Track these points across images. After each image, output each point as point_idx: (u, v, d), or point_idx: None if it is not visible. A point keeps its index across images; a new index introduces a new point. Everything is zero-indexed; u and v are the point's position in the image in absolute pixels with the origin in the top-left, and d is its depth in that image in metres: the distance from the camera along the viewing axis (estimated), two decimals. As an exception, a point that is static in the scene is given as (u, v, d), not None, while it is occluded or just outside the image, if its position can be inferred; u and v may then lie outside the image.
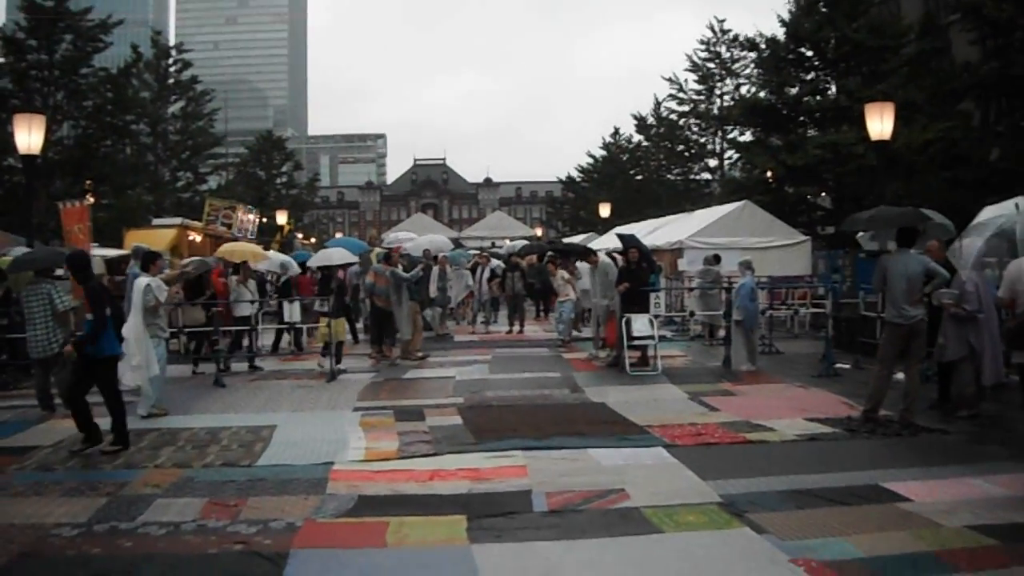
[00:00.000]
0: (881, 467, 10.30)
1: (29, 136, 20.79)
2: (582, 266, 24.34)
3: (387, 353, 21.26)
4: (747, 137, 49.55)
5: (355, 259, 21.86)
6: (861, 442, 11.85)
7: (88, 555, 7.85)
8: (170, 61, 65.17)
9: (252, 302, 20.78)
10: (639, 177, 75.15)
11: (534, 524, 8.57)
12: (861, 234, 21.20)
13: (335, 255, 22.13)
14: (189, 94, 66.01)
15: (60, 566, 7.60)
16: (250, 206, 42.62)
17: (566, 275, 23.92)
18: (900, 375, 13.26)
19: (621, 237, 23.36)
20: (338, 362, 19.12)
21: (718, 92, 67.20)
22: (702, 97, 68.21)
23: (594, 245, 34.37)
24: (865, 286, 19.69)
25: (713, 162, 69.20)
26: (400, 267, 21.65)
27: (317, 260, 22.45)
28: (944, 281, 12.76)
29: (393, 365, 20.38)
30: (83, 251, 14.59)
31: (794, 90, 43.02)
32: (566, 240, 55.85)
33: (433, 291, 25.98)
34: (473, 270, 29.82)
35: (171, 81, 65.01)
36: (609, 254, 22.38)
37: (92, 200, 36.62)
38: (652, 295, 19.14)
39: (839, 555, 7.36)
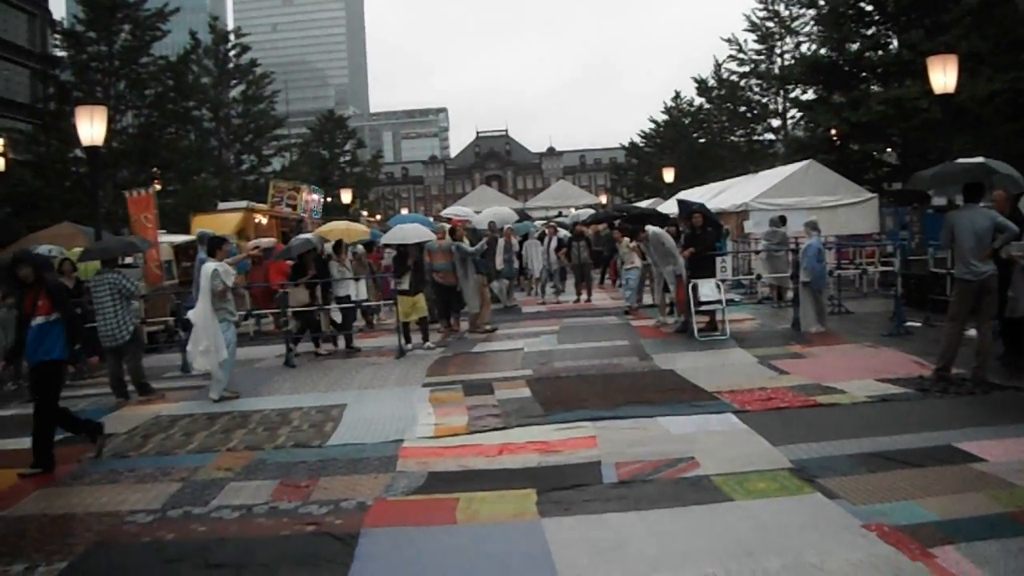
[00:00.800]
0: (954, 427, 10.14)
1: (92, 127, 20.98)
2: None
3: (455, 327, 21.31)
4: (809, 96, 48.88)
5: (431, 235, 21.16)
6: (933, 401, 11.68)
7: (162, 541, 7.94)
8: (229, 46, 65.76)
9: (356, 279, 21.25)
10: (702, 140, 74.79)
11: (603, 496, 8.53)
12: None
13: (410, 232, 21.40)
14: (249, 77, 66.62)
15: (135, 553, 7.68)
16: (314, 186, 42.88)
17: (631, 243, 23.78)
18: (972, 332, 13.06)
19: (682, 203, 23.21)
20: (425, 339, 19.47)
21: (778, 51, 66.63)
22: (762, 57, 67.65)
23: (661, 210, 34.11)
24: (934, 242, 19.42)
25: (776, 122, 68.60)
26: (465, 241, 21.71)
27: (391, 238, 21.77)
28: (1013, 235, 12.49)
29: (461, 339, 20.43)
30: (25, 250, 14.46)
31: (855, 46, 42.40)
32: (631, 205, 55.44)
33: (500, 263, 25.97)
34: (540, 239, 29.69)
35: (231, 66, 65.65)
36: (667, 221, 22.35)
37: (158, 187, 36.93)
38: (719, 259, 18.97)
39: (912, 519, 7.26)
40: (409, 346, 18.92)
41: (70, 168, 41.76)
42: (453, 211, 43.49)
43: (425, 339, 19.17)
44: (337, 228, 24.11)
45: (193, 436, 12.17)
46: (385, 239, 22.51)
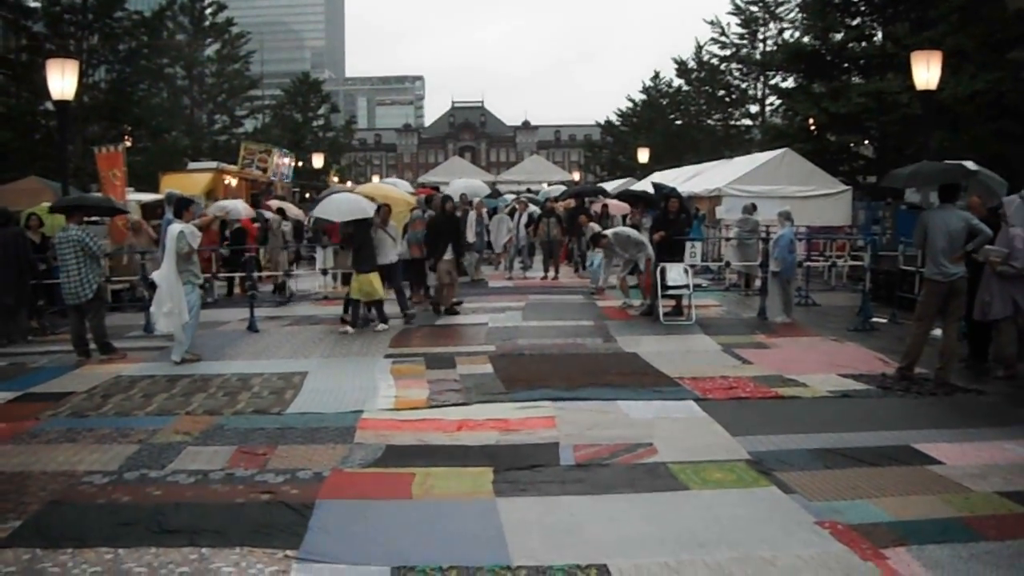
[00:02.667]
0: (914, 427, 10.22)
1: (63, 81, 20.75)
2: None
3: (420, 299, 21.33)
4: (789, 83, 49.05)
5: (369, 211, 18.69)
6: (894, 400, 11.74)
7: (117, 503, 7.93)
8: (205, 3, 65.00)
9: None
10: (679, 122, 74.75)
11: (560, 478, 8.56)
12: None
13: (345, 206, 18.75)
14: (224, 36, 66.22)
15: (89, 514, 7.65)
16: (286, 150, 42.67)
17: (596, 227, 23.79)
18: (937, 332, 13.13)
19: (657, 186, 23.22)
20: (381, 319, 18.01)
21: (761, 36, 66.57)
22: (744, 41, 67.62)
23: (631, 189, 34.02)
24: (905, 239, 19.48)
25: (754, 108, 68.75)
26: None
27: (323, 211, 19.57)
28: (987, 239, 12.54)
29: (426, 311, 20.38)
30: None
31: (839, 36, 42.38)
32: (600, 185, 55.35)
33: (471, 236, 25.90)
34: (510, 215, 29.57)
35: (206, 24, 65.10)
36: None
37: (128, 144, 36.67)
38: (688, 244, 18.98)
39: (866, 518, 7.31)
40: (351, 328, 17.85)
41: (39, 121, 41.32)
42: (427, 180, 43.36)
43: (382, 320, 18.04)
44: (386, 192, 22.72)
45: (153, 398, 12.11)
46: (316, 212, 20.63)
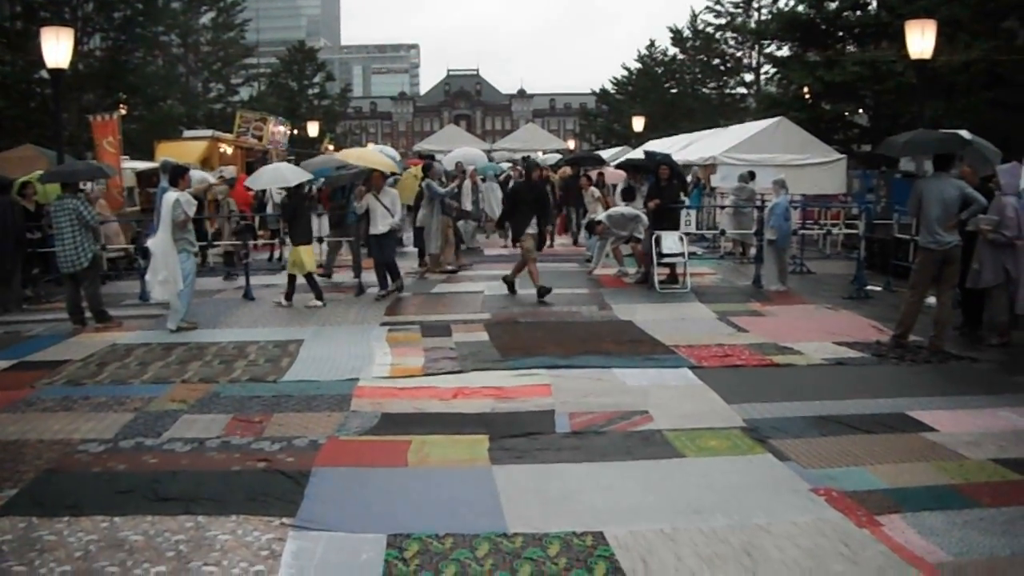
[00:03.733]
0: (908, 395, 10.25)
1: (57, 49, 20.64)
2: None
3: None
4: (784, 52, 48.84)
5: (305, 175, 18.17)
6: (889, 368, 11.76)
7: (113, 471, 7.93)
8: (200, -29, 64.60)
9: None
10: (674, 91, 74.67)
11: (556, 445, 8.58)
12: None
13: (288, 173, 18.07)
14: (220, 4, 65.90)
15: (86, 482, 7.67)
16: (281, 118, 42.57)
17: (597, 192, 23.76)
18: (932, 300, 13.14)
19: (649, 154, 23.16)
20: (318, 297, 17.05)
21: (756, 5, 66.49)
22: (739, 10, 67.56)
23: (627, 158, 33.92)
24: (899, 207, 19.47)
25: (749, 77, 68.72)
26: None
27: (257, 181, 19.20)
28: (981, 208, 12.53)
29: (422, 279, 20.39)
30: None
31: (834, 4, 42.19)
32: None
33: (467, 204, 25.87)
34: (505, 183, 29.44)
35: (201, -10, 64.57)
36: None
37: (123, 112, 36.50)
38: (683, 212, 18.97)
39: (860, 485, 7.33)
40: (285, 302, 17.12)
41: (35, 89, 41.13)
42: (422, 148, 43.21)
43: (318, 297, 17.10)
44: (370, 157, 22.41)
45: (148, 366, 12.13)
46: (250, 182, 19.83)
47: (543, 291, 17.08)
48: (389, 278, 17.88)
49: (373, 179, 18.27)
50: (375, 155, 20.51)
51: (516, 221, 18.13)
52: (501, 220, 19.86)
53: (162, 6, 53.50)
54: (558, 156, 44.39)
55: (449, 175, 25.27)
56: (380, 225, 17.69)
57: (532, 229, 17.81)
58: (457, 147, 38.90)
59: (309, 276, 17.04)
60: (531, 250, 17.71)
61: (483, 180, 28.87)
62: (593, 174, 27.98)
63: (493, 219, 29.18)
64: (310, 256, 17.17)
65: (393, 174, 21.86)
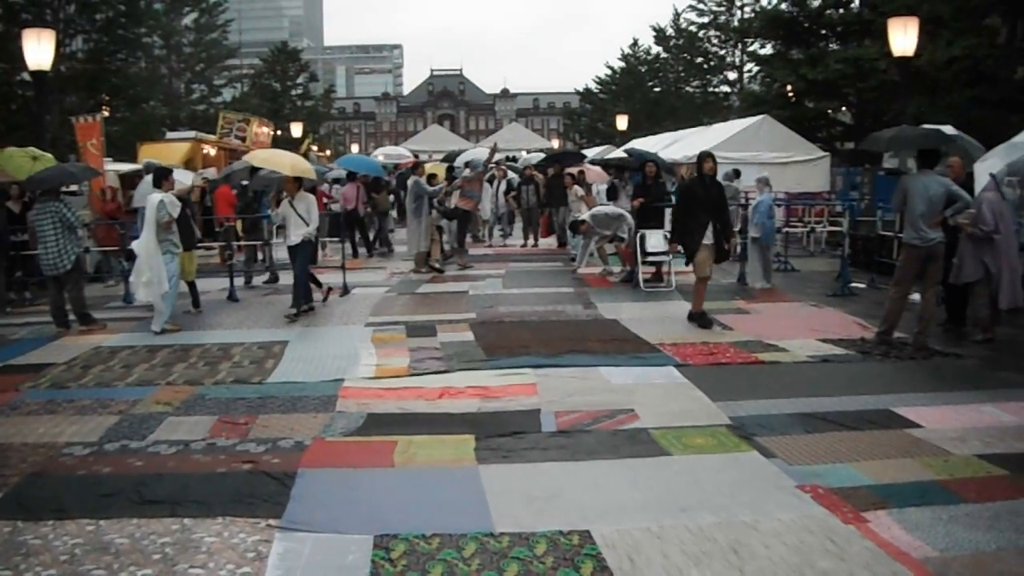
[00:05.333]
0: (893, 391, 10.27)
1: (39, 51, 20.57)
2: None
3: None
4: (767, 50, 48.94)
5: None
6: (874, 364, 11.78)
7: (98, 475, 7.90)
8: (182, -28, 64.43)
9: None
10: (657, 89, 74.79)
11: (542, 444, 8.58)
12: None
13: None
14: (202, 5, 65.66)
15: (71, 485, 7.64)
16: (264, 118, 42.49)
17: (580, 191, 23.76)
18: (916, 297, 13.18)
19: (631, 152, 23.22)
20: (195, 304, 16.79)
21: (739, 3, 66.55)
22: (722, 8, 67.64)
23: (609, 158, 33.93)
24: (883, 204, 19.53)
25: (732, 75, 68.87)
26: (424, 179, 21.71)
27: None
28: (966, 205, 12.58)
29: (408, 279, 20.42)
30: None
31: (816, 2, 42.22)
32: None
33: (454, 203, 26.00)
34: (489, 182, 29.45)
35: (183, -8, 64.41)
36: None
37: (106, 114, 36.40)
38: (668, 211, 18.98)
39: (846, 482, 7.35)
40: (194, 309, 16.74)
41: (16, 91, 40.98)
42: (407, 148, 43.29)
43: (194, 303, 16.77)
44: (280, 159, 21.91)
45: (133, 368, 12.09)
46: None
47: (702, 320, 14.40)
48: (303, 294, 16.22)
49: (286, 185, 16.67)
50: (284, 157, 18.22)
51: (688, 231, 14.60)
52: (674, 232, 15.27)
53: (144, 7, 53.31)
54: (542, 155, 44.18)
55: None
56: (293, 235, 15.95)
57: (708, 239, 14.48)
58: (442, 147, 39.00)
59: (191, 284, 16.81)
60: (705, 267, 14.52)
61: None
62: (575, 170, 27.80)
63: (485, 219, 29.24)
64: (190, 263, 16.76)
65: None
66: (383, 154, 41.03)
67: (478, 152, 35.43)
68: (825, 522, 6.57)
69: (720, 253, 14.72)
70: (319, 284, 17.27)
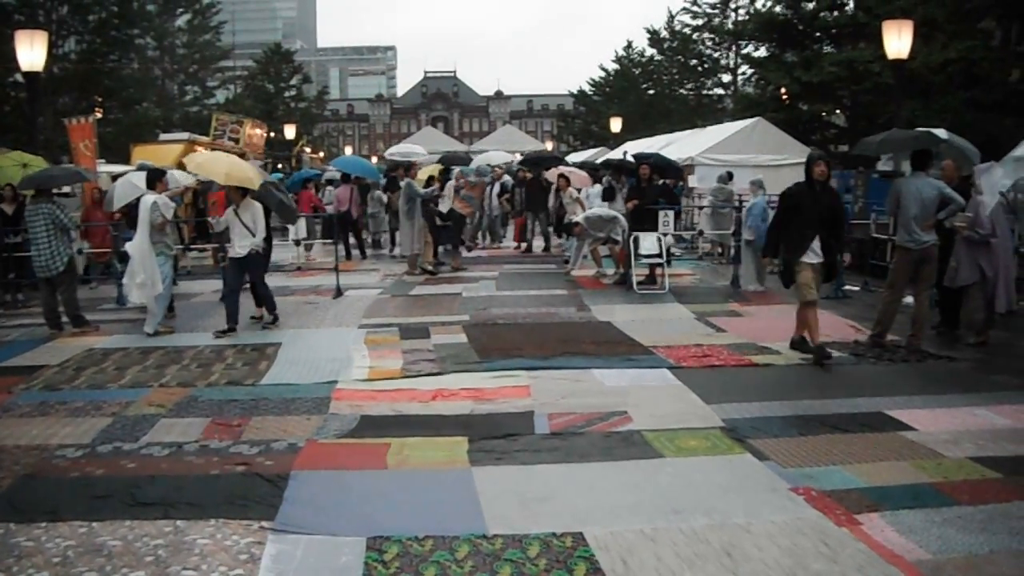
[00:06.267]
0: (886, 394, 10.29)
1: (32, 52, 20.56)
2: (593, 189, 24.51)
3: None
4: (761, 53, 48.90)
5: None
6: (867, 367, 11.80)
7: (91, 477, 7.90)
8: (175, -27, 64.35)
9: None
10: (651, 92, 74.59)
11: (535, 447, 8.58)
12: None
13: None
14: (195, 7, 65.54)
15: (63, 487, 7.64)
16: (258, 120, 42.44)
17: (575, 193, 23.74)
18: (909, 299, 13.19)
19: (637, 156, 23.25)
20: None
21: (733, 6, 66.34)
22: (716, 11, 67.47)
23: (602, 160, 33.93)
24: (877, 207, 19.54)
25: (726, 78, 68.70)
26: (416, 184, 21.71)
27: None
28: (959, 207, 12.59)
29: (400, 281, 20.39)
30: None
31: (811, 5, 42.26)
32: (574, 156, 55.19)
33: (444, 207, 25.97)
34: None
35: (177, -7, 64.35)
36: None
37: (99, 116, 36.35)
38: (661, 213, 18.95)
39: (839, 484, 7.37)
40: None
41: (9, 93, 40.91)
42: (399, 150, 43.15)
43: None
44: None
45: (126, 370, 12.08)
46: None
47: (820, 354, 11.98)
48: (265, 307, 15.53)
49: (230, 192, 15.32)
50: (219, 164, 15.97)
51: (789, 247, 12.36)
52: (769, 244, 13.40)
53: (137, 9, 53.28)
54: (518, 157, 43.38)
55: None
56: (238, 247, 14.76)
57: (814, 256, 12.09)
58: (435, 149, 38.92)
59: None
60: (808, 289, 12.08)
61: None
62: (552, 174, 27.42)
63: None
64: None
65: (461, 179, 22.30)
66: (399, 153, 40.80)
67: (491, 157, 35.35)
68: (818, 524, 6.58)
69: (829, 271, 12.69)
70: (235, 320, 15.16)
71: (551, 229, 26.28)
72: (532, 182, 27.03)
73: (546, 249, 26.77)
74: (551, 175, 25.88)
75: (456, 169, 27.37)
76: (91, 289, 19.92)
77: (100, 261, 20.70)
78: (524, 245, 27.03)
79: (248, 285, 15.39)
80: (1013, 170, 14.62)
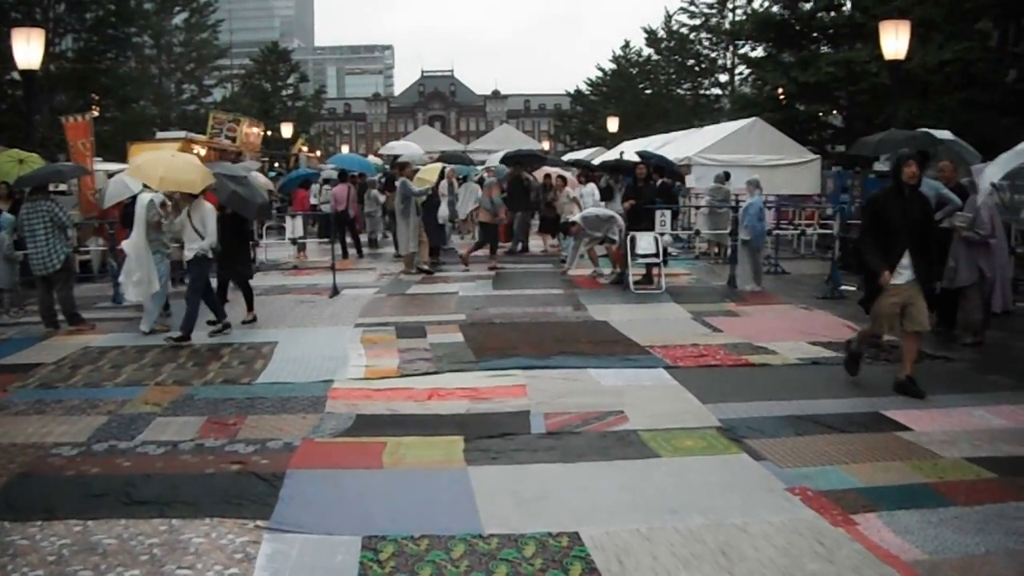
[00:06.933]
0: (883, 394, 10.29)
1: (28, 50, 20.53)
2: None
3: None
4: (759, 53, 48.90)
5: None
6: (863, 367, 11.73)
7: (87, 475, 7.88)
8: (172, -29, 64.30)
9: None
10: (648, 91, 74.71)
11: (531, 446, 8.58)
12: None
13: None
14: (192, 5, 65.61)
15: (59, 486, 7.63)
16: (255, 119, 42.44)
17: (572, 193, 23.74)
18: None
19: (642, 155, 23.26)
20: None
21: (730, 6, 66.53)
22: (714, 10, 67.62)
23: (598, 160, 33.95)
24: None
25: (723, 77, 68.86)
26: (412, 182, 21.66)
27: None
28: (955, 208, 12.61)
29: (397, 280, 20.38)
30: None
31: (808, 5, 42.33)
32: (569, 156, 55.14)
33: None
34: (479, 184, 29.28)
35: (174, -9, 64.31)
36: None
37: (96, 114, 36.29)
38: (658, 212, 18.93)
39: (836, 484, 7.37)
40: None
41: (6, 91, 40.85)
42: (400, 147, 43.14)
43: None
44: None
45: (122, 369, 12.07)
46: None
47: (911, 390, 10.25)
48: (216, 314, 14.86)
49: (176, 198, 14.70)
50: (155, 168, 14.75)
51: (874, 261, 10.43)
52: (861, 260, 11.24)
53: (134, 7, 53.22)
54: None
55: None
56: (186, 250, 14.30)
57: (901, 276, 10.23)
58: (431, 148, 38.82)
59: None
60: (882, 322, 10.61)
61: (461, 181, 28.82)
62: (539, 173, 27.23)
63: (472, 221, 29.07)
64: None
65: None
66: (392, 151, 40.76)
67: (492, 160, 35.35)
68: (814, 524, 6.57)
69: (929, 295, 10.71)
70: (222, 313, 14.91)
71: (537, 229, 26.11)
72: (513, 181, 26.24)
73: (524, 249, 26.37)
74: (540, 175, 25.91)
75: (448, 168, 27.27)
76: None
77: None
78: (520, 244, 26.78)
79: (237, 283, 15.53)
80: (1006, 162, 14.57)
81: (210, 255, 14.27)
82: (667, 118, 62.58)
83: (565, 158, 47.81)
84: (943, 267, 13.20)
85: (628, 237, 18.37)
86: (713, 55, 69.28)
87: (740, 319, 15.42)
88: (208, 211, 14.18)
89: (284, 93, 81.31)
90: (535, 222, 27.30)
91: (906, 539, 6.30)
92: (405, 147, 32.68)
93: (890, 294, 10.16)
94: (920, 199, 10.58)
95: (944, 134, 15.89)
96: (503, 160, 30.13)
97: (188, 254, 14.19)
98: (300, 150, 55.79)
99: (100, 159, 26.67)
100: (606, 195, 21.96)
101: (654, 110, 68.74)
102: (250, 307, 15.53)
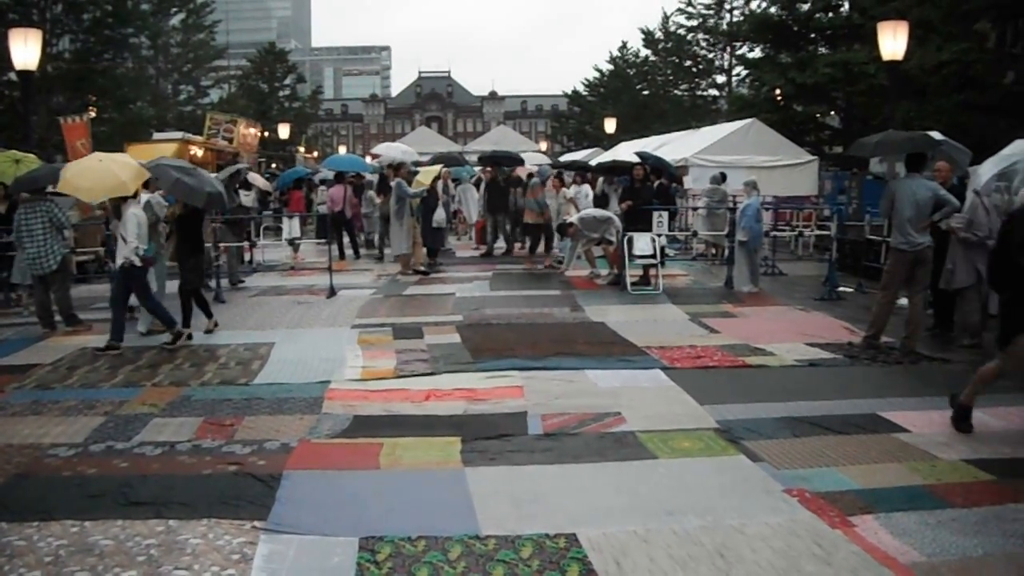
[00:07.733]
0: (880, 396, 10.29)
1: (25, 51, 20.51)
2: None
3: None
4: (756, 54, 49.14)
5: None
6: (861, 369, 11.80)
7: (84, 476, 7.87)
8: (169, -28, 64.27)
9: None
10: (645, 92, 74.88)
11: (528, 447, 8.57)
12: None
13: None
14: (189, 6, 65.57)
15: (56, 486, 7.61)
16: (252, 120, 42.42)
17: (569, 194, 23.74)
18: (903, 301, 13.19)
19: (643, 156, 23.26)
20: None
21: (728, 7, 66.53)
22: (711, 11, 67.63)
23: (595, 161, 33.95)
24: (871, 209, 19.56)
25: (721, 78, 68.94)
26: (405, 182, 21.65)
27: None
28: (954, 209, 12.59)
29: (395, 281, 20.38)
30: None
31: (806, 6, 42.48)
32: (567, 157, 55.19)
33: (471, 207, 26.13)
34: (477, 185, 29.29)
35: (171, -8, 64.27)
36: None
37: (93, 115, 36.28)
38: (655, 214, 18.93)
39: (833, 486, 7.36)
40: None
41: (3, 91, 40.85)
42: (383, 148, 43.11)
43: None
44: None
45: (119, 370, 12.05)
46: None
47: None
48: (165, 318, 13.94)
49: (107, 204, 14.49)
50: (83, 179, 13.85)
51: (1007, 285, 8.76)
52: (993, 281, 9.65)
53: (131, 8, 53.16)
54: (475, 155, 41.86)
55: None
56: (119, 257, 13.47)
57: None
58: (429, 149, 38.77)
59: None
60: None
61: (457, 183, 28.80)
62: (523, 173, 27.11)
63: (469, 222, 29.06)
64: None
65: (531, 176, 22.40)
66: (385, 152, 40.68)
67: (531, 159, 35.38)
68: (812, 526, 6.57)
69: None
70: (172, 322, 13.93)
71: (517, 230, 25.95)
72: (492, 182, 26.14)
73: (508, 252, 26.28)
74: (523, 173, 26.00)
75: (444, 168, 27.13)
76: None
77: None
78: (518, 245, 26.59)
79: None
80: (994, 165, 14.56)
81: (137, 263, 13.29)
82: (664, 119, 62.71)
83: (562, 159, 47.79)
84: (941, 269, 13.24)
85: (625, 238, 18.35)
86: (711, 56, 69.42)
87: (737, 320, 15.42)
88: (131, 215, 13.32)
89: (281, 94, 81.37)
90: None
91: (904, 541, 6.29)
92: (387, 148, 32.28)
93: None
94: None
95: (934, 135, 15.86)
96: (481, 160, 30.01)
97: (118, 260, 13.41)
98: (296, 150, 55.81)
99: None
100: (601, 202, 21.93)
101: (651, 111, 68.86)
102: (207, 315, 14.82)
